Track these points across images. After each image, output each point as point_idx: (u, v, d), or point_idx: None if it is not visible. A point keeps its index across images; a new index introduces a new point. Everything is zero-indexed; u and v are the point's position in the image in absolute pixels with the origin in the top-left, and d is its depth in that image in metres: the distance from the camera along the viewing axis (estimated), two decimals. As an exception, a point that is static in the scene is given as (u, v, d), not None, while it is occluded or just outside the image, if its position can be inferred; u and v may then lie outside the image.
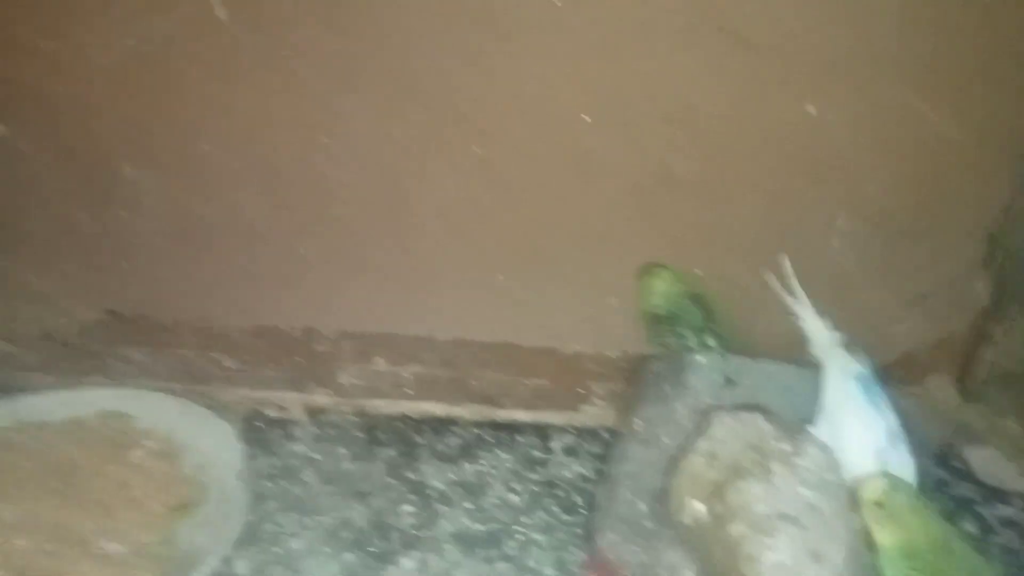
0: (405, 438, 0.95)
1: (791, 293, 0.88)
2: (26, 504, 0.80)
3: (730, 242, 1.00)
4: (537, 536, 0.84)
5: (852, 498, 0.70)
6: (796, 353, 0.88)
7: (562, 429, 0.97)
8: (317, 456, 0.92)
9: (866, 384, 0.81)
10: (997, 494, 0.88)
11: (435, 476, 0.91)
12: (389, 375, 1.03)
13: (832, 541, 0.69)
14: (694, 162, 0.96)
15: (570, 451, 0.95)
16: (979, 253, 1.00)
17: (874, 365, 0.84)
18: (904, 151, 0.94)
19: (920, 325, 1.02)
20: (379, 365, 1.05)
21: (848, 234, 0.98)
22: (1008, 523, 0.86)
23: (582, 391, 1.02)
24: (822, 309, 0.88)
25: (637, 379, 0.91)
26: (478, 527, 0.85)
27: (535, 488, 0.90)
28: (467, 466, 0.92)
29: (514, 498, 0.89)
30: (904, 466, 0.76)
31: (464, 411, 0.99)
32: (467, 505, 0.87)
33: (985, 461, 0.92)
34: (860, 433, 0.78)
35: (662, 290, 0.98)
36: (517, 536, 0.84)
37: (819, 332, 0.86)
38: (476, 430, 0.97)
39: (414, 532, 0.84)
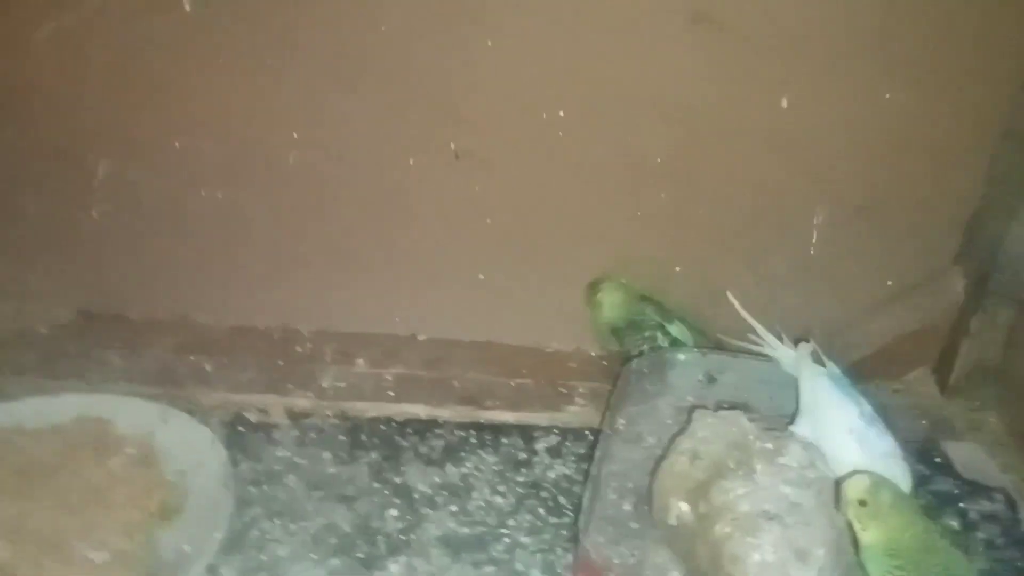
0: (389, 441, 0.95)
1: (748, 325, 0.88)
2: (5, 511, 0.78)
3: (711, 236, 1.01)
4: (523, 538, 0.84)
5: (836, 496, 0.70)
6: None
7: (546, 429, 0.97)
8: (300, 460, 0.91)
9: (837, 380, 0.82)
10: (979, 489, 0.89)
11: (420, 479, 0.90)
12: (371, 377, 1.03)
13: (816, 539, 0.69)
14: (677, 159, 0.96)
15: (554, 452, 0.94)
16: (955, 246, 1.00)
17: (844, 365, 0.85)
18: (881, 145, 0.95)
19: (897, 318, 1.03)
20: (360, 367, 1.05)
21: (825, 228, 0.99)
22: (990, 518, 0.86)
23: (564, 390, 1.02)
24: (787, 320, 0.89)
25: (620, 378, 0.91)
26: (464, 530, 0.85)
27: (520, 490, 0.90)
28: (451, 468, 0.92)
29: (499, 500, 0.88)
30: (883, 444, 0.77)
31: (447, 412, 0.98)
32: (452, 508, 0.87)
33: (966, 456, 0.93)
34: (834, 417, 0.79)
35: (614, 301, 1.00)
36: (503, 539, 0.84)
37: (782, 354, 0.87)
38: (460, 432, 0.96)
39: (400, 536, 0.84)
